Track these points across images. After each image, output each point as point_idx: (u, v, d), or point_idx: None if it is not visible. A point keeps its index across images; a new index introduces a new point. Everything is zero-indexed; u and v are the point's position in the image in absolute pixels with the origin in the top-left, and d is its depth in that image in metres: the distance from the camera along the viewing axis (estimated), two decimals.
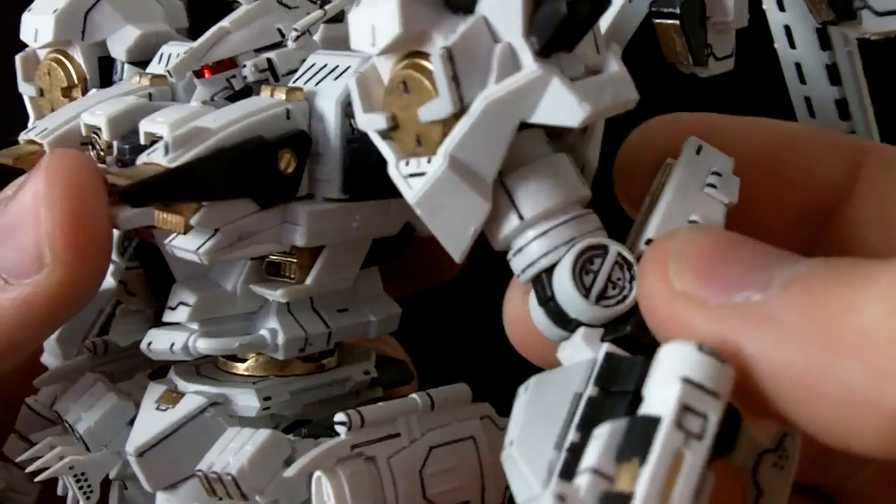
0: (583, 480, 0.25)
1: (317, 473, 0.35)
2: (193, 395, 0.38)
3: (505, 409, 0.32)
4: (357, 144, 0.35)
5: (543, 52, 0.29)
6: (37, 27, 0.43)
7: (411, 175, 0.31)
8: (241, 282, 0.38)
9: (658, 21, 0.39)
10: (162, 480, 0.38)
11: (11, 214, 0.36)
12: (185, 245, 0.35)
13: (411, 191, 0.31)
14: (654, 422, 0.25)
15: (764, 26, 0.45)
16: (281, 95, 0.35)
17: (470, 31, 0.29)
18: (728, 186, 0.32)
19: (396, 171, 0.31)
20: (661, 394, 0.25)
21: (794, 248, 0.28)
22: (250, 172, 0.34)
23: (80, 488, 0.41)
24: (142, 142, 0.35)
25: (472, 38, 0.29)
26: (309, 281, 0.37)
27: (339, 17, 0.40)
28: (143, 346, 0.39)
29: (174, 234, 0.35)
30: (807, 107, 0.47)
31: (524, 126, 0.30)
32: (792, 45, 0.45)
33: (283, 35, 0.39)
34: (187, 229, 0.34)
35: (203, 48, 0.38)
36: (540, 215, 0.31)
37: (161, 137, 0.34)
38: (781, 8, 0.44)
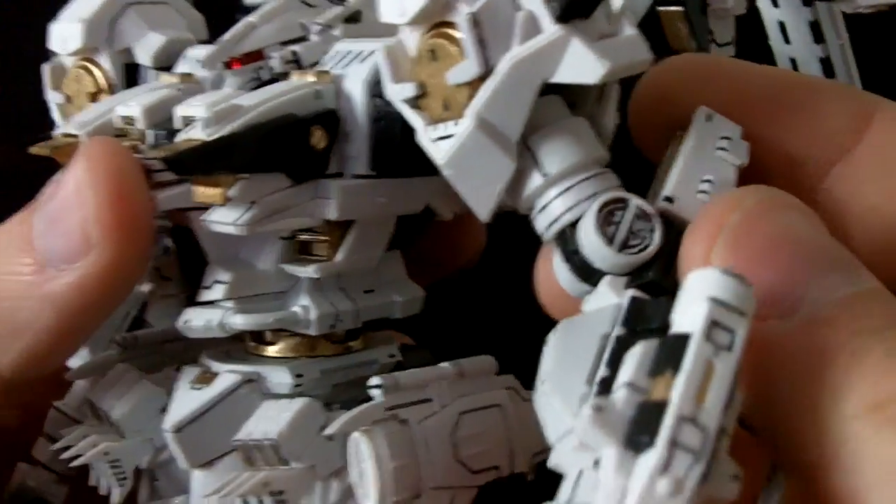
0: (619, 394, 0.26)
1: (354, 434, 0.36)
2: (228, 374, 0.40)
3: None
4: (383, 122, 0.37)
5: (562, 18, 0.31)
6: (65, 35, 0.45)
7: (440, 138, 0.33)
8: (274, 261, 0.39)
9: (663, 9, 0.41)
10: (199, 457, 0.39)
11: (55, 204, 0.37)
12: (223, 218, 0.36)
13: (440, 153, 0.33)
14: (684, 338, 0.26)
15: (757, 22, 0.48)
16: (310, 78, 0.37)
17: None
18: (738, 150, 0.34)
19: (425, 136, 0.33)
20: (689, 313, 0.27)
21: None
22: (284, 147, 0.36)
23: (115, 475, 0.42)
24: (177, 126, 0.37)
25: (495, 6, 0.32)
26: (339, 258, 0.39)
27: (356, 17, 0.43)
28: (178, 323, 0.40)
29: (212, 210, 0.36)
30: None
31: (545, 92, 0.32)
32: (786, 40, 0.47)
33: (306, 30, 0.41)
34: (225, 201, 0.35)
35: (232, 41, 0.40)
36: (562, 172, 0.32)
37: (196, 119, 0.36)
38: (775, 4, 0.47)
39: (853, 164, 0.35)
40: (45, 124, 0.47)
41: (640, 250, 0.31)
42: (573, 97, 0.34)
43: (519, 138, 0.32)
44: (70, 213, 0.36)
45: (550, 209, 0.33)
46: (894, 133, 0.35)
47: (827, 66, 0.47)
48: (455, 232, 0.47)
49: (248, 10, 0.48)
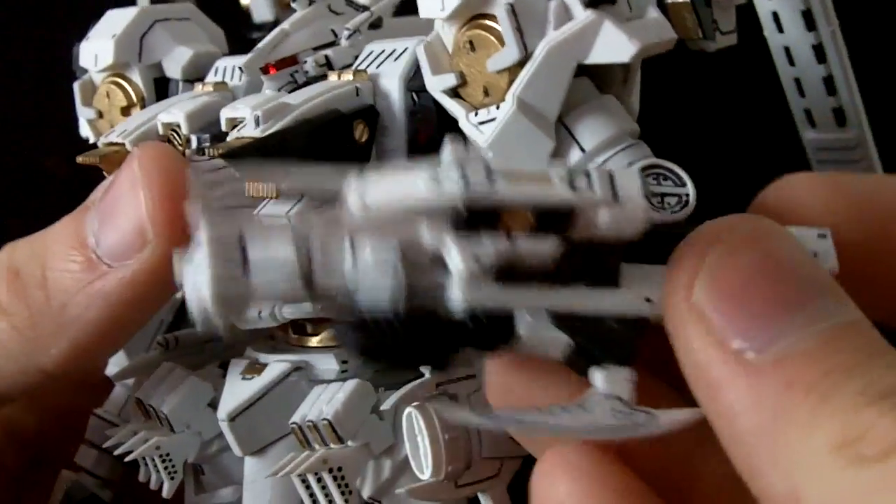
0: None
1: (408, 410, 0.38)
2: (277, 364, 0.41)
3: None
4: (419, 116, 0.39)
5: (592, 4, 0.34)
6: (96, 52, 0.47)
7: (482, 123, 0.35)
8: None
9: (671, 1, 0.44)
10: (252, 444, 0.41)
11: (108, 202, 0.39)
12: (276, 211, 0.38)
13: (483, 136, 0.35)
14: None
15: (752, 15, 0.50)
16: (348, 77, 0.39)
17: None
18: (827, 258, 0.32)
19: (467, 122, 0.36)
20: None
21: None
22: (330, 141, 0.38)
23: (165, 469, 0.44)
24: (224, 129, 0.39)
25: None
26: None
27: (378, 24, 0.45)
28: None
29: (264, 203, 0.38)
30: (797, 87, 0.52)
31: (577, 73, 0.35)
32: (780, 29, 0.50)
33: (335, 35, 0.44)
34: (279, 194, 0.37)
35: (268, 47, 0.42)
36: (599, 146, 0.35)
37: (242, 120, 0.38)
38: None
39: None
40: None
41: (677, 210, 0.34)
42: (599, 81, 0.37)
43: (556, 118, 0.35)
44: (125, 210, 0.38)
45: None
46: None
47: (819, 53, 0.50)
48: None
49: (260, 27, 0.50)
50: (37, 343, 0.39)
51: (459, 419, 0.34)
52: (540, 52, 0.34)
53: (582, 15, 0.34)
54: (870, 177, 0.34)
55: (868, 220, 0.33)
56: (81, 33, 0.48)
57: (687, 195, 0.34)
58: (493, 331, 0.28)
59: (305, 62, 0.42)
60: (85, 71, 0.48)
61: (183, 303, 0.50)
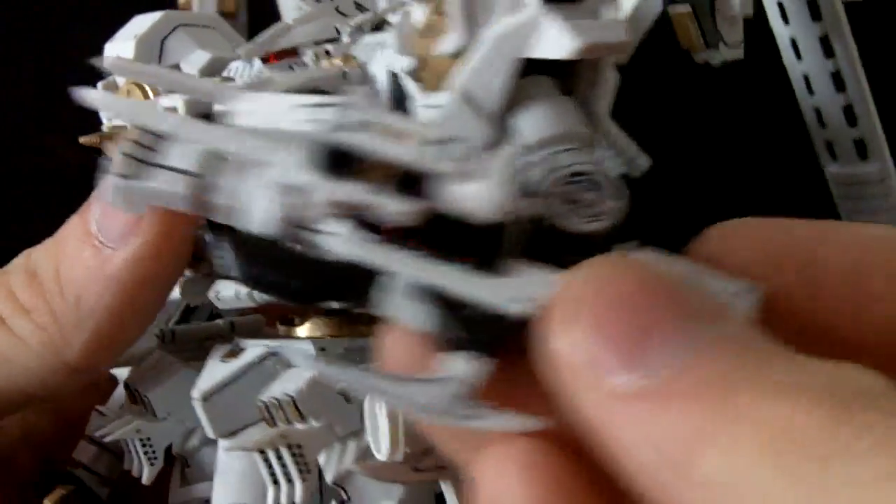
0: None
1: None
2: (254, 348, 0.41)
3: None
4: (408, 102, 0.39)
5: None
6: (118, 53, 0.49)
7: (429, 107, 0.35)
8: None
9: (673, 9, 0.44)
10: (225, 426, 0.41)
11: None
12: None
13: (424, 120, 0.35)
14: None
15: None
16: (338, 62, 0.40)
17: None
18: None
19: (417, 105, 0.36)
20: None
21: (880, 368, 0.24)
22: None
23: (146, 453, 0.44)
24: None
25: None
26: None
27: (381, 26, 0.46)
28: (210, 295, 0.42)
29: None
30: (817, 117, 0.51)
31: (537, 72, 0.34)
32: (798, 56, 0.50)
33: (338, 33, 0.44)
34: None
35: (269, 39, 0.43)
36: (540, 142, 0.34)
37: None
38: (786, 21, 0.49)
39: None
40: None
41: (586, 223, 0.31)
42: (567, 82, 0.36)
43: (499, 110, 0.34)
44: None
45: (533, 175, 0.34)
46: None
47: (838, 81, 0.49)
48: None
49: None
50: (62, 338, 0.39)
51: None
52: (484, 41, 0.34)
53: (530, 6, 0.34)
54: (816, 225, 0.31)
55: (799, 271, 0.31)
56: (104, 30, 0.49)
57: (608, 210, 0.31)
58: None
59: (305, 54, 0.43)
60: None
61: (187, 305, 0.51)
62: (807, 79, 0.50)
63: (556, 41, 0.33)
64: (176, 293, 0.47)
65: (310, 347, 0.41)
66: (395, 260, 0.27)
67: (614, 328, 0.25)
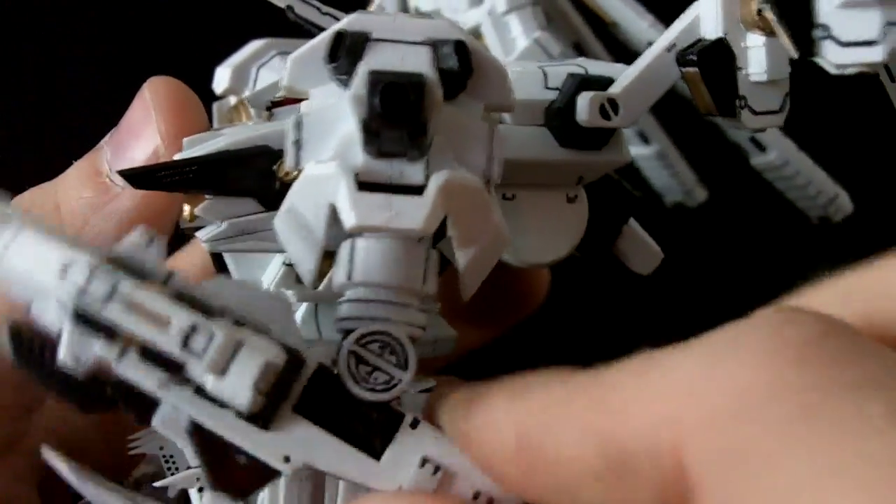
0: None
1: None
2: None
3: None
4: None
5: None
6: (219, 78, 0.51)
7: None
8: (274, 284, 0.42)
9: (686, 70, 0.38)
10: None
11: (122, 131, 0.41)
12: (201, 234, 0.39)
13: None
14: None
15: None
16: None
17: (325, 106, 0.33)
18: None
19: None
20: None
21: None
22: (251, 175, 0.38)
23: (168, 469, 0.47)
24: None
25: (325, 113, 0.33)
26: (321, 287, 0.40)
27: None
28: None
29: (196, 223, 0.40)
30: None
31: None
32: None
33: None
34: (192, 217, 0.39)
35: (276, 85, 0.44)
36: (366, 283, 0.33)
37: None
38: (892, 78, 0.41)
39: None
40: None
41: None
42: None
43: (322, 240, 0.33)
44: (139, 133, 0.40)
45: (342, 307, 0.34)
46: None
47: None
48: (520, 280, 0.46)
49: None
50: None
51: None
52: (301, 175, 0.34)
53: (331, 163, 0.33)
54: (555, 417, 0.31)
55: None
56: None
57: (399, 380, 0.32)
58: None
59: None
60: None
61: None
62: None
63: (342, 209, 0.32)
64: None
65: None
66: (175, 395, 0.31)
67: None
